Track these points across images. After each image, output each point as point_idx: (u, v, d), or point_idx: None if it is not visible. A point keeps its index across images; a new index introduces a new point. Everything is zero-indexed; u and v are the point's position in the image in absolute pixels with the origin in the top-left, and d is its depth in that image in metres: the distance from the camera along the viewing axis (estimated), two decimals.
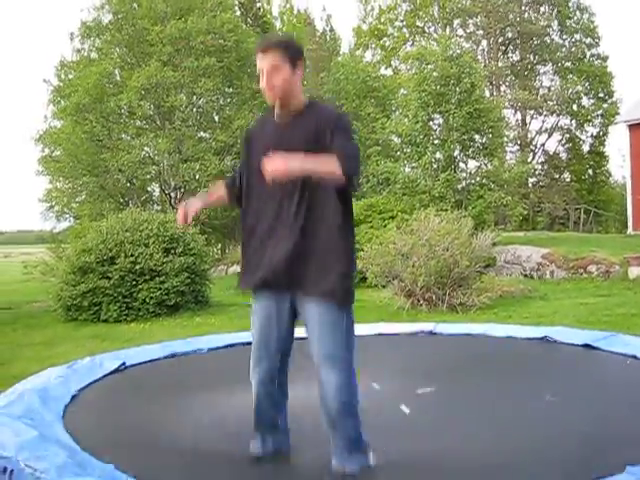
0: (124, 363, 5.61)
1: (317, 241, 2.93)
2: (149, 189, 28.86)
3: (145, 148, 25.07)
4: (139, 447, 3.76)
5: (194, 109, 26.37)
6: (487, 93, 29.92)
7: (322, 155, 2.78)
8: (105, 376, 5.30)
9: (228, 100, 27.57)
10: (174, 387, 5.12)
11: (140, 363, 5.78)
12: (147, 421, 4.25)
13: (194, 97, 25.80)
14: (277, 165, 2.63)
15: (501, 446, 3.56)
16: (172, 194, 25.38)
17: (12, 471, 2.90)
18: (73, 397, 4.69)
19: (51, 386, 4.75)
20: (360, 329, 7.15)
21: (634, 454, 3.12)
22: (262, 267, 3.04)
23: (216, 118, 27.70)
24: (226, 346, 6.50)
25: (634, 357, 5.07)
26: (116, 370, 5.47)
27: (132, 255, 12.21)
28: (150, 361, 5.89)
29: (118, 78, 25.99)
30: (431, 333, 6.92)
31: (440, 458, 3.40)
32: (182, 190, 25.64)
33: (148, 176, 26.13)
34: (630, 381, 4.76)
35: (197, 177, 24.25)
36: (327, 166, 2.75)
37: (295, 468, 3.34)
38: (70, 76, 26.98)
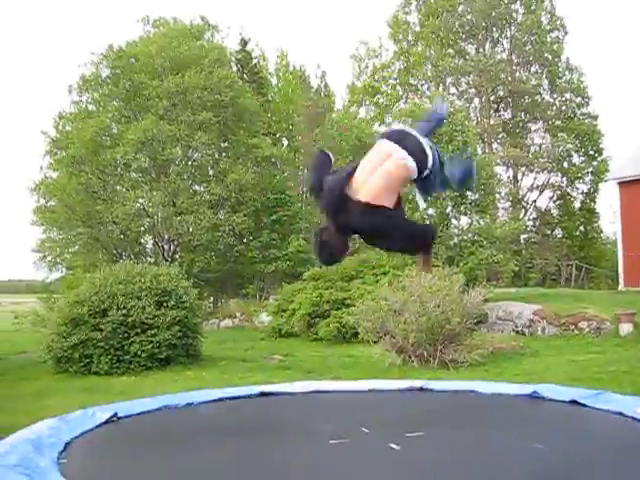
0: (116, 414, 5.62)
1: None
2: (142, 241, 28.90)
3: (140, 200, 25.22)
4: None
5: (189, 162, 26.64)
6: (479, 150, 30.32)
7: None
8: (97, 426, 5.31)
9: (223, 154, 27.88)
10: (164, 438, 5.16)
11: (132, 415, 5.79)
12: (140, 469, 4.28)
13: (190, 150, 26.07)
14: None
15: None
16: (165, 246, 25.45)
17: None
18: (67, 445, 4.70)
19: (44, 436, 4.76)
20: (352, 385, 7.27)
21: None
22: None
23: (211, 172, 27.92)
24: (216, 400, 6.50)
25: (620, 414, 5.14)
26: (108, 420, 5.48)
27: (124, 307, 12.22)
28: (142, 413, 5.89)
29: (115, 131, 26.28)
30: (421, 389, 6.94)
31: None
32: (175, 243, 25.73)
33: (142, 228, 26.24)
34: (612, 436, 4.84)
35: (191, 230, 24.37)
36: None
37: None
38: (68, 128, 27.25)
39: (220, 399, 6.50)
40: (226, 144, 27.45)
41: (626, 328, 13.92)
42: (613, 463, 4.15)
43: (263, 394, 6.77)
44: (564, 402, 5.73)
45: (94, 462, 4.58)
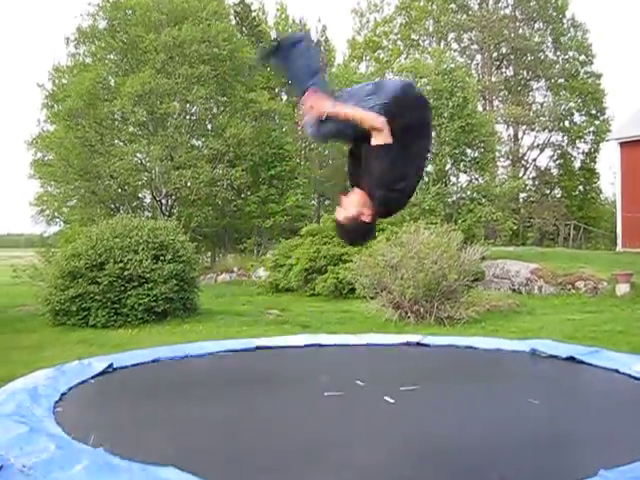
0: (112, 364, 5.63)
1: None
2: (140, 195, 28.84)
3: (137, 154, 25.08)
4: (130, 434, 3.86)
5: (187, 116, 26.41)
6: (480, 107, 30.09)
7: None
8: (93, 377, 5.32)
9: (221, 108, 27.62)
10: (159, 389, 5.20)
11: (128, 366, 5.80)
12: (134, 418, 4.31)
13: (187, 104, 25.85)
14: None
15: (475, 443, 3.63)
16: (163, 201, 25.37)
17: (1, 467, 2.93)
18: (63, 395, 4.71)
19: (40, 386, 4.77)
20: (348, 339, 7.28)
21: (607, 458, 3.17)
22: None
23: (209, 126, 27.75)
24: (212, 353, 6.50)
25: (616, 371, 5.14)
26: (104, 371, 5.49)
27: (121, 261, 12.20)
28: (137, 364, 5.90)
29: (112, 84, 26.00)
30: (418, 344, 6.95)
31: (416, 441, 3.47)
32: (173, 197, 25.65)
33: (140, 182, 26.12)
34: (609, 392, 4.86)
35: (189, 184, 24.27)
36: None
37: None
38: (64, 81, 26.99)
39: (216, 352, 6.50)
40: (224, 98, 27.17)
41: (623, 288, 13.95)
42: (605, 418, 4.16)
43: (259, 348, 6.77)
44: (561, 358, 5.74)
45: (89, 411, 4.61)
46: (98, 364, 5.59)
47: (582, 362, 5.51)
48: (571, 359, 5.65)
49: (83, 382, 5.14)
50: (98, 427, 3.90)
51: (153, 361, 6.02)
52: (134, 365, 5.86)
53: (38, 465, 2.94)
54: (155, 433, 3.97)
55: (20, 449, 3.17)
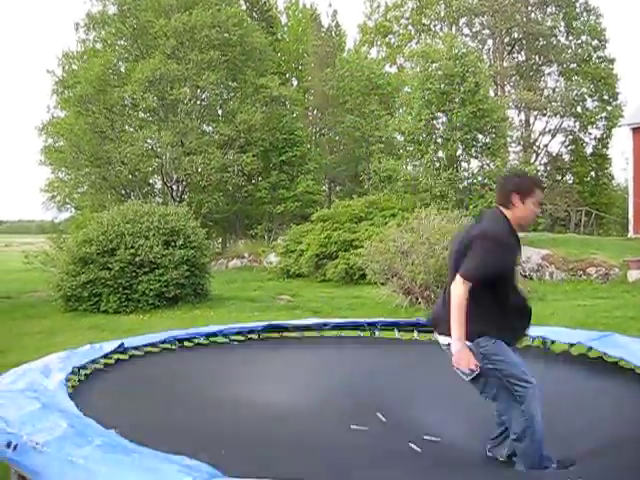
0: (122, 344, 5.64)
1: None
2: (151, 181, 28.89)
3: (148, 140, 25.10)
4: (140, 415, 3.87)
5: (198, 102, 26.37)
6: (491, 93, 29.88)
7: None
8: (104, 356, 5.35)
9: (232, 94, 27.57)
10: (168, 368, 5.25)
11: (138, 346, 5.82)
12: (146, 393, 4.34)
13: (198, 90, 25.81)
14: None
15: (475, 429, 3.63)
16: (174, 187, 25.40)
17: (16, 445, 2.95)
18: (74, 370, 4.74)
19: (53, 364, 4.79)
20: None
21: None
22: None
23: (219, 112, 27.72)
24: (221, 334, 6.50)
25: (622, 359, 5.10)
26: (115, 350, 5.52)
27: (132, 247, 12.26)
28: (148, 344, 5.92)
29: (122, 70, 26.00)
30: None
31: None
32: (184, 183, 25.67)
33: (150, 168, 26.16)
34: (614, 378, 4.85)
35: (199, 170, 24.27)
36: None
37: None
38: (74, 67, 26.98)
39: (225, 334, 6.48)
40: (234, 84, 27.12)
41: (634, 275, 13.88)
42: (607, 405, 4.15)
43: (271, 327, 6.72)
44: (570, 344, 5.70)
45: (100, 385, 4.62)
46: (109, 346, 5.61)
47: (591, 348, 5.46)
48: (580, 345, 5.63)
49: (94, 360, 5.16)
50: (109, 404, 3.92)
51: (162, 341, 6.02)
52: (145, 345, 5.87)
53: (51, 442, 2.95)
54: (168, 415, 3.98)
55: (33, 426, 3.19)
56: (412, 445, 3.77)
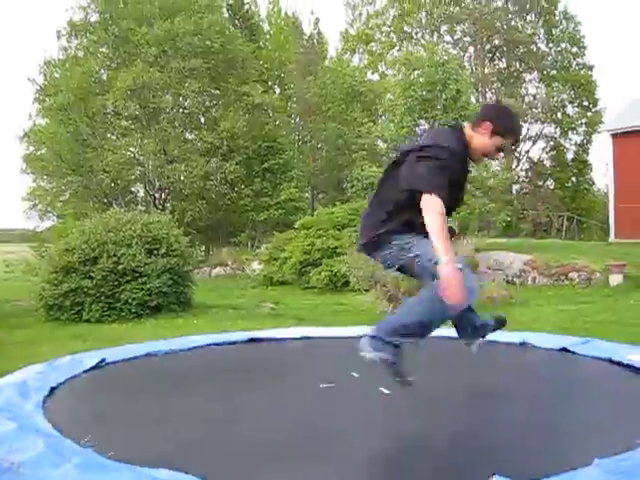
0: (104, 359, 5.61)
1: None
2: (133, 189, 28.78)
3: (130, 149, 25.02)
4: (118, 432, 3.81)
5: (180, 110, 26.35)
6: (473, 100, 30.06)
7: None
8: (84, 372, 5.30)
9: (214, 102, 27.56)
10: (151, 383, 5.19)
11: (120, 361, 5.78)
12: (124, 413, 4.29)
13: (180, 98, 25.79)
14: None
15: (473, 432, 3.63)
16: (157, 195, 25.33)
17: None
18: (52, 389, 4.67)
19: (30, 380, 4.75)
20: (343, 331, 7.26)
21: (602, 447, 3.17)
22: None
23: (202, 119, 27.69)
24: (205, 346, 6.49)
25: (609, 360, 5.15)
26: (96, 366, 5.47)
27: (115, 255, 12.16)
28: (129, 359, 5.88)
29: (104, 78, 25.92)
30: None
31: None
32: (167, 191, 25.60)
33: (133, 177, 26.10)
34: (602, 381, 4.87)
35: (182, 178, 24.23)
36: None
37: None
38: (56, 75, 26.87)
39: (209, 345, 6.49)
40: (217, 91, 27.12)
41: (616, 279, 14.00)
42: (598, 407, 4.17)
43: (253, 340, 6.76)
44: (554, 350, 5.74)
45: (79, 406, 4.57)
46: (89, 360, 5.56)
47: (575, 353, 5.51)
48: (564, 350, 5.66)
49: (73, 377, 5.10)
50: (88, 423, 3.88)
51: (144, 355, 6.00)
52: (126, 360, 5.83)
53: (27, 462, 2.92)
54: (148, 428, 3.95)
55: (9, 446, 3.15)
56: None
